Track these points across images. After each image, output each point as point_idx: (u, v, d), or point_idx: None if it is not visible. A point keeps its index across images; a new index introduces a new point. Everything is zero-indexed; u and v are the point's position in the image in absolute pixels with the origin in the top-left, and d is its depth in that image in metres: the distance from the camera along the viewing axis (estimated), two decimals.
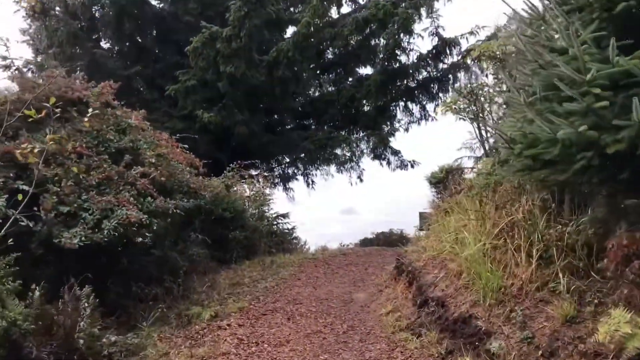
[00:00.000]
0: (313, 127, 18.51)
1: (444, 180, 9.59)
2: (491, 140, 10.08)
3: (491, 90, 9.71)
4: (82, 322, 4.84)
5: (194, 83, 15.39)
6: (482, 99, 9.72)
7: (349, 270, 10.85)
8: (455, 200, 8.86)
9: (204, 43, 14.81)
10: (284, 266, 11.01)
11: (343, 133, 17.30)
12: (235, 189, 14.00)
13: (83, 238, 6.96)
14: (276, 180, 20.34)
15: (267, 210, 14.37)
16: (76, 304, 5.12)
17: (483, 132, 10.02)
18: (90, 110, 6.34)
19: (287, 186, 19.71)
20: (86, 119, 5.66)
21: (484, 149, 9.82)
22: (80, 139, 8.04)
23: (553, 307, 5.21)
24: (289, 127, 18.54)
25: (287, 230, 15.45)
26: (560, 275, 5.37)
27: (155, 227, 8.36)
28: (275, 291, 9.09)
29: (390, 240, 20.82)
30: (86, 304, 5.31)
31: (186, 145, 9.90)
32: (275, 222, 14.99)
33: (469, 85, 9.59)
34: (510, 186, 6.94)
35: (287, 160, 19.88)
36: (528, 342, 5.03)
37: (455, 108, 10.07)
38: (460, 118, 10.15)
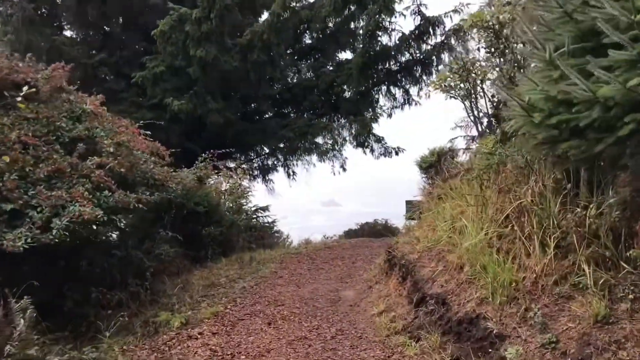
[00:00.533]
0: (292, 115, 17.60)
1: (436, 164, 8.80)
2: (485, 121, 9.31)
3: (484, 64, 8.92)
4: (10, 344, 3.91)
5: (162, 69, 14.39)
6: (474, 74, 8.93)
7: (335, 265, 10.02)
8: (449, 185, 8.08)
9: (172, 26, 13.81)
10: (264, 263, 10.14)
11: (324, 120, 16.41)
12: (210, 181, 13.11)
13: (29, 240, 6.01)
14: (255, 173, 19.43)
15: (245, 204, 13.49)
16: (8, 319, 4.19)
17: (476, 111, 9.23)
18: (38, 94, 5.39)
19: (267, 178, 18.82)
20: (19, 99, 4.68)
21: (478, 129, 9.04)
22: (27, 127, 7.05)
23: (578, 305, 4.43)
24: (267, 115, 17.60)
25: (267, 224, 14.58)
26: (585, 266, 4.59)
27: (118, 225, 7.49)
28: (254, 292, 8.21)
29: (375, 231, 20.16)
30: (22, 320, 4.38)
31: (149, 132, 8.92)
32: (254, 216, 14.11)
33: (460, 61, 8.77)
34: (514, 166, 6.14)
35: (266, 150, 18.96)
36: (552, 348, 4.23)
37: (445, 86, 9.27)
38: (450, 96, 9.36)
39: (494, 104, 8.68)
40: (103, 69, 15.52)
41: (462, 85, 8.98)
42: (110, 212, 7.09)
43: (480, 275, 5.57)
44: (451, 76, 8.92)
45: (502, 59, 8.58)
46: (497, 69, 8.84)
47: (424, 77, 16.96)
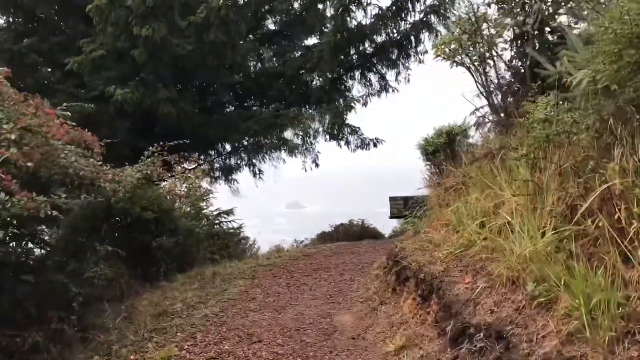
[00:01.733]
0: (256, 107, 15.61)
1: (446, 147, 6.99)
2: (498, 94, 7.55)
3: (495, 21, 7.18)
4: None
5: (101, 53, 12.21)
6: (486, 34, 7.17)
7: (320, 278, 8.12)
8: (469, 171, 6.30)
9: (111, 0, 11.65)
10: (231, 279, 8.17)
11: (293, 110, 14.44)
12: (163, 184, 11.08)
13: None
14: (217, 174, 17.35)
15: (205, 207, 11.46)
16: None
17: (487, 81, 7.48)
18: None
19: (230, 178, 16.73)
20: None
21: (490, 103, 7.28)
22: None
23: None
24: (228, 107, 15.52)
25: (232, 230, 12.58)
26: None
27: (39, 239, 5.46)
28: (219, 322, 6.21)
29: (351, 233, 18.33)
30: None
31: (68, 113, 6.78)
32: (217, 221, 12.11)
33: (470, 16, 6.99)
34: (587, 137, 4.34)
35: (229, 149, 16.90)
36: None
37: (449, 51, 7.49)
38: (454, 63, 7.59)
39: (515, 69, 6.93)
40: (32, 56, 13.20)
41: (471, 48, 7.20)
42: (16, 223, 5.06)
43: (554, 295, 3.76)
44: (457, 36, 7.12)
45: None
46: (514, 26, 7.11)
47: (402, 61, 15.23)
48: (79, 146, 6.46)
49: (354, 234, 18.27)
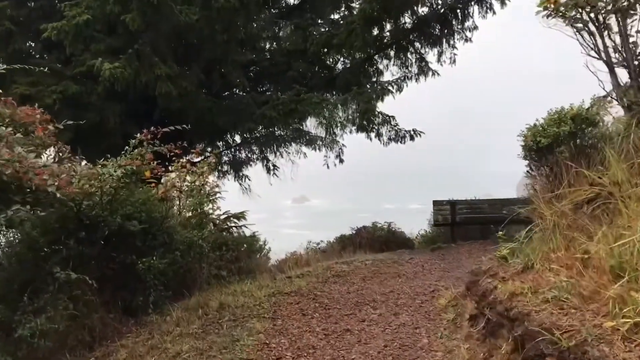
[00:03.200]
0: (272, 91, 13.33)
1: (571, 140, 4.69)
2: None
3: None
4: None
5: (87, 19, 9.95)
6: None
7: (368, 319, 5.85)
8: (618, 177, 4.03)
9: None
10: (243, 319, 5.92)
11: (316, 94, 12.10)
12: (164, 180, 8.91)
13: None
14: (225, 168, 15.08)
15: (212, 211, 9.23)
16: None
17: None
18: None
19: (240, 174, 14.46)
20: None
21: (632, 72, 4.96)
22: None
23: None
24: (239, 91, 13.21)
25: (244, 238, 10.37)
26: None
27: None
28: None
29: (374, 238, 16.15)
30: None
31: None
32: (225, 226, 9.91)
33: None
34: None
35: (239, 140, 14.63)
36: None
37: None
38: (569, 20, 5.29)
39: None
40: (5, 23, 10.96)
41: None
42: None
43: None
44: None
45: None
46: None
47: (446, 37, 12.90)
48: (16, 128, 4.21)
49: (379, 239, 16.08)
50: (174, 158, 8.32)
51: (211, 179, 10.16)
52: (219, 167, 15.01)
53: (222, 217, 10.07)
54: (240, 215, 10.41)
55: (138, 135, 6.70)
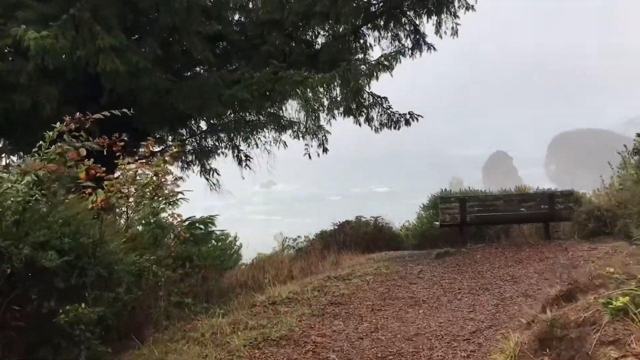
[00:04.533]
0: (244, 68, 11.27)
1: None
2: None
3: None
4: None
5: None
6: None
7: None
8: None
9: None
10: None
11: (296, 72, 10.10)
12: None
13: None
14: (189, 158, 13.01)
15: (171, 219, 7.24)
16: None
17: None
18: None
19: (206, 167, 12.42)
20: None
21: None
22: None
23: None
24: (204, 69, 11.13)
25: (214, 248, 8.45)
26: None
27: None
28: None
29: (360, 235, 14.48)
30: None
31: None
32: (190, 237, 7.94)
33: None
34: None
35: (206, 126, 12.57)
36: None
37: None
38: None
39: None
40: None
41: None
42: None
43: None
44: None
45: None
46: None
47: (446, 7, 11.08)
48: None
49: (366, 237, 14.36)
50: (118, 154, 6.31)
51: (170, 176, 8.21)
52: (183, 159, 12.99)
53: (186, 223, 8.12)
54: (208, 221, 8.47)
55: (58, 124, 4.68)
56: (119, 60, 8.29)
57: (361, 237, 14.11)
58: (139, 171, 6.57)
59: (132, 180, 6.41)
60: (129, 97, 10.15)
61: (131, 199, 6.29)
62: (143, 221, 6.21)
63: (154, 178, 6.59)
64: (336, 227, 15.32)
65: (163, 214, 7.14)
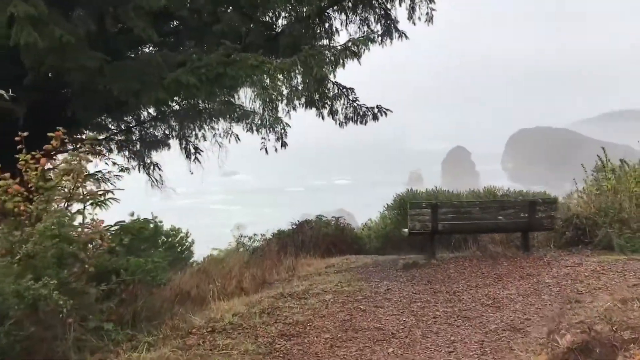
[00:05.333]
0: (192, 48, 9.97)
1: None
2: None
3: None
4: None
5: None
6: None
7: None
8: None
9: None
10: None
11: (253, 55, 8.88)
12: None
13: None
14: (133, 150, 11.64)
15: (92, 224, 5.96)
16: None
17: None
18: None
19: (147, 161, 11.07)
20: None
21: None
22: None
23: None
24: (145, 47, 9.78)
25: (149, 259, 7.19)
26: None
27: None
28: None
29: (320, 237, 13.51)
30: None
31: None
32: (116, 244, 6.67)
33: None
34: None
35: (145, 114, 11.20)
36: None
37: None
38: None
39: None
40: None
41: None
42: None
43: None
44: None
45: None
46: None
47: None
48: None
49: (326, 239, 13.35)
50: (19, 147, 5.02)
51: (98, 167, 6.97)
52: (130, 149, 11.61)
53: (114, 228, 6.87)
54: (142, 227, 7.24)
55: None
56: (37, 33, 6.92)
57: (321, 238, 13.11)
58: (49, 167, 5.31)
59: (37, 180, 5.13)
60: (59, 78, 8.81)
61: (32, 205, 5.01)
62: (48, 233, 4.93)
63: (66, 177, 5.33)
64: (295, 227, 14.27)
65: (85, 220, 5.89)
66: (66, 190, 5.47)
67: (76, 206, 6.10)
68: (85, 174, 5.67)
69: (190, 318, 6.07)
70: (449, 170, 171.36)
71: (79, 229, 5.50)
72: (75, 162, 5.43)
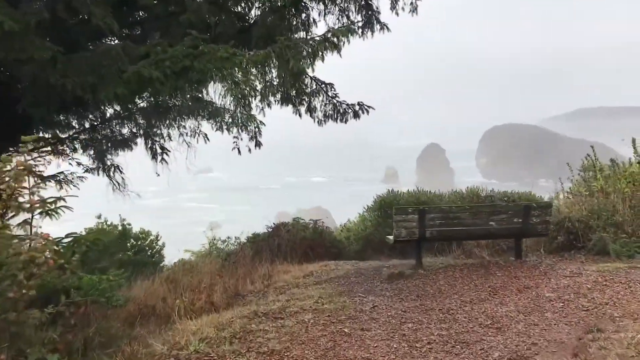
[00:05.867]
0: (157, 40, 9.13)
1: None
2: None
3: None
4: None
5: None
6: None
7: None
8: None
9: None
10: None
11: (222, 47, 8.09)
12: None
13: None
14: (97, 150, 10.73)
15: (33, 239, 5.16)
16: None
17: None
18: None
19: (108, 164, 10.19)
20: None
21: None
22: None
23: None
24: (104, 39, 8.92)
25: (103, 279, 6.39)
26: None
27: None
28: None
29: (297, 241, 12.93)
30: None
31: None
32: (67, 263, 5.86)
33: None
34: None
35: (115, 111, 10.33)
36: None
37: None
38: None
39: None
40: None
41: None
42: None
43: None
44: None
45: None
46: None
47: None
48: None
49: (303, 243, 12.72)
50: None
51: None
52: (86, 152, 10.71)
53: (66, 241, 6.08)
54: (97, 238, 6.43)
55: None
56: None
57: (298, 242, 12.47)
58: None
59: None
60: (5, 70, 7.94)
61: None
62: None
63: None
64: (270, 230, 13.58)
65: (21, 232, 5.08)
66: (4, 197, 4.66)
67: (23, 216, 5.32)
68: (38, 176, 4.86)
69: (152, 343, 5.32)
70: (424, 167, 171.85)
71: (24, 245, 4.70)
72: (10, 167, 4.61)
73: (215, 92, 8.68)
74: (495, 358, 4.53)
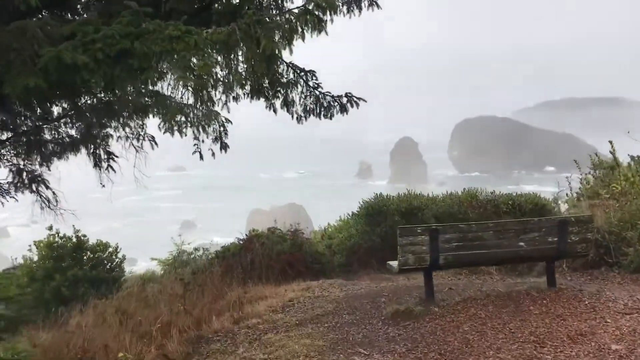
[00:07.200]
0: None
1: None
2: None
3: None
4: None
5: None
6: None
7: None
8: None
9: None
10: None
11: (172, 24, 6.29)
12: None
13: None
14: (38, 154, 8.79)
15: None
16: None
17: None
18: None
19: (29, 176, 8.26)
20: None
21: None
22: None
23: None
24: (25, 16, 7.06)
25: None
26: None
27: None
28: None
29: (273, 255, 11.41)
30: None
31: None
32: None
33: None
34: None
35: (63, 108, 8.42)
36: None
37: None
38: None
39: None
40: None
41: None
42: None
43: None
44: None
45: None
46: None
47: None
48: None
49: (281, 257, 11.12)
50: None
51: None
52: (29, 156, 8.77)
53: None
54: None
55: None
56: None
57: (275, 257, 10.86)
58: None
59: None
60: None
61: None
62: None
63: None
64: (242, 242, 11.93)
65: None
66: None
67: None
68: None
69: None
70: (397, 160, 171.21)
71: None
72: None
73: (165, 83, 6.83)
74: None
